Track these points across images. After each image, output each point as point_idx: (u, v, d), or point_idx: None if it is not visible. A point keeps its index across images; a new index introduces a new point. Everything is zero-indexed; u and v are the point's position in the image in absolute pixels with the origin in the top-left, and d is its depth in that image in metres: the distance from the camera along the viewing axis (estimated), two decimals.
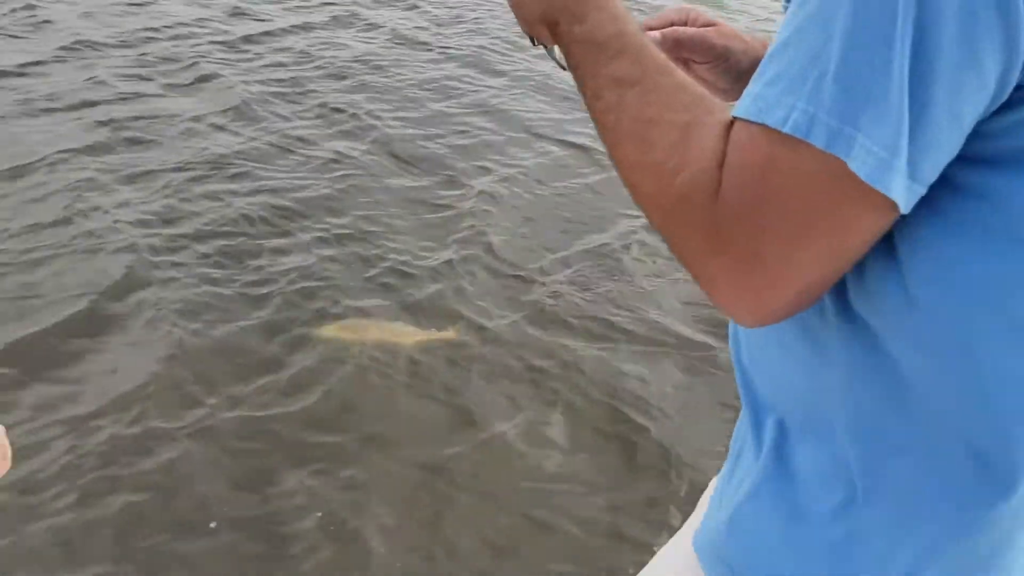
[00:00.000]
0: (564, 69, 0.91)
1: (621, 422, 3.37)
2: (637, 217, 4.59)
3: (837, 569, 0.80)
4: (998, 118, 0.62)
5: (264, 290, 4.02)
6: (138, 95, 6.02)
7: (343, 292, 4.04)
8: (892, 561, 0.77)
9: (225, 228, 4.50)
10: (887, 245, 0.70)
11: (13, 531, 2.74)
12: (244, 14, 7.99)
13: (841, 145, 0.62)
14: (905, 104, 0.59)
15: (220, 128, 5.63)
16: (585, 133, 5.82)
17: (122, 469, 3.00)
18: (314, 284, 4.09)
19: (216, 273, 4.13)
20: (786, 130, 0.63)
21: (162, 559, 2.70)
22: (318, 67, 6.85)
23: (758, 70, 0.68)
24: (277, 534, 2.81)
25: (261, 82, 6.40)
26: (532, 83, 6.87)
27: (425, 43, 7.74)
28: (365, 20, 8.21)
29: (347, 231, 4.55)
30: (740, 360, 0.97)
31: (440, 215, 4.82)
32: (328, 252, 4.36)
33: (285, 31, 7.61)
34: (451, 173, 5.30)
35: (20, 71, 6.20)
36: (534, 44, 0.97)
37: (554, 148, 5.72)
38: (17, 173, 4.83)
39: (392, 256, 4.36)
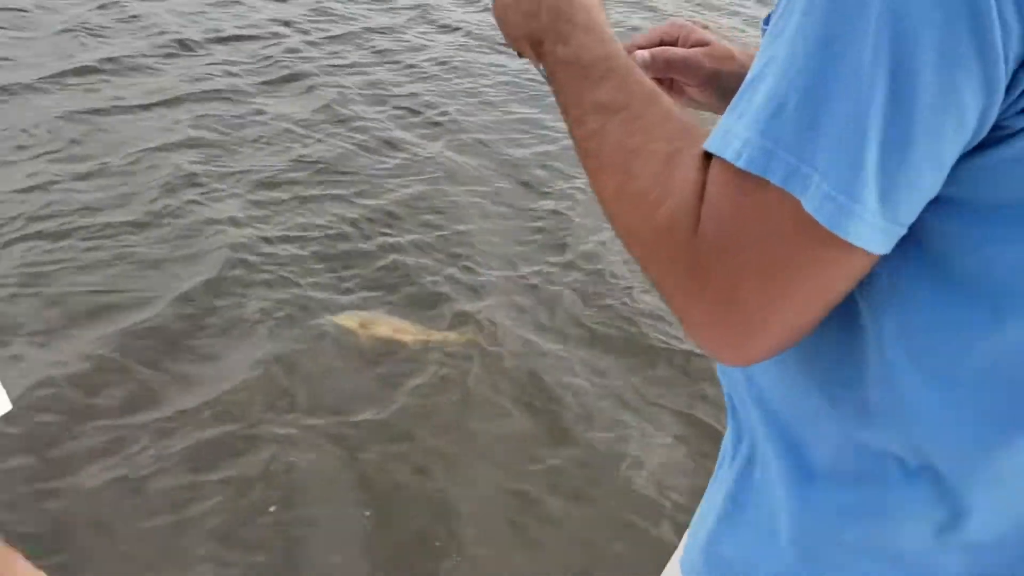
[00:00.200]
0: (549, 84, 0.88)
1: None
2: None
3: None
4: (968, 161, 0.60)
5: (359, 295, 4.06)
6: (232, 92, 6.14)
7: (443, 298, 4.06)
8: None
9: (320, 229, 4.56)
10: None
11: (112, 529, 2.80)
12: (328, 13, 8.08)
13: (797, 184, 0.60)
14: (874, 146, 0.57)
15: (311, 127, 5.70)
16: None
17: (219, 469, 3.06)
18: (409, 288, 4.12)
19: (311, 275, 4.18)
20: (749, 167, 0.61)
21: (268, 556, 2.75)
22: (402, 67, 6.89)
23: (732, 101, 0.66)
24: (378, 536, 2.85)
25: (348, 83, 6.47)
26: None
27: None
28: (447, 21, 8.25)
29: (438, 235, 4.57)
30: (725, 371, 0.93)
31: (529, 224, 4.82)
32: (422, 258, 4.38)
33: (370, 30, 7.68)
34: (535, 179, 5.29)
35: (112, 67, 6.37)
36: (520, 56, 0.93)
37: None
38: (114, 168, 4.96)
39: (490, 265, 4.37)
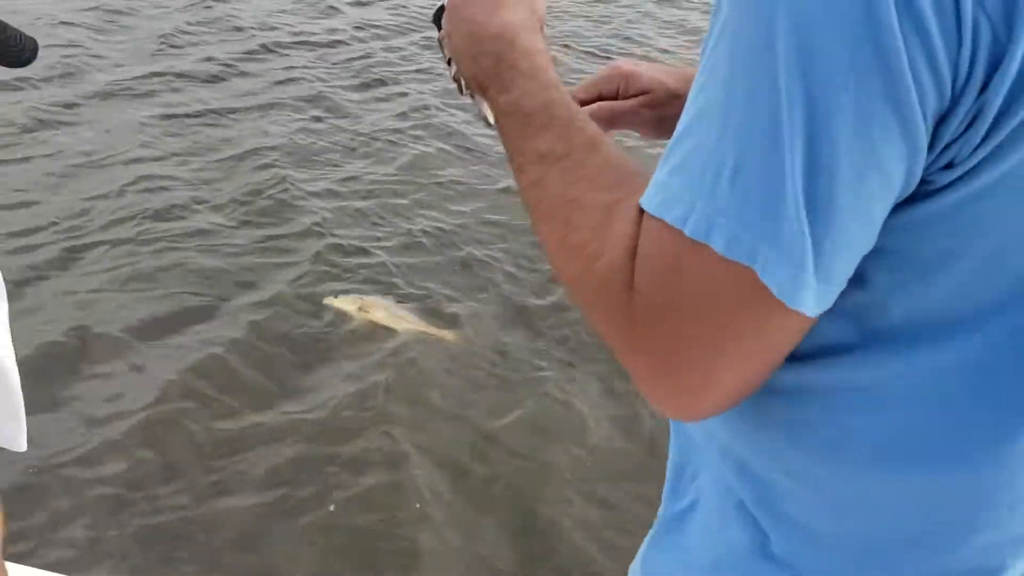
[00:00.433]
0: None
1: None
2: None
3: None
4: (896, 214, 0.59)
5: (456, 305, 4.01)
6: (318, 97, 6.19)
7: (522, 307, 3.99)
8: None
9: (409, 235, 4.54)
10: None
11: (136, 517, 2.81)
12: (409, 15, 8.14)
13: (742, 252, 0.58)
14: (802, 209, 0.55)
15: (399, 133, 5.70)
16: None
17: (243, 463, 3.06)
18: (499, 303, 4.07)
19: (399, 281, 4.15)
20: (686, 231, 0.59)
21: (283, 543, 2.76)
22: None
23: (665, 151, 0.63)
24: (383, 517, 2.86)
25: (432, 89, 6.48)
26: None
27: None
28: None
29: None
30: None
31: None
32: (511, 269, 4.31)
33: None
34: None
35: (203, 70, 6.49)
36: (472, 99, 0.90)
37: None
38: (207, 172, 5.02)
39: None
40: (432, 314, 3.88)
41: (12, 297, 3.65)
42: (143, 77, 6.22)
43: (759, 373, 0.64)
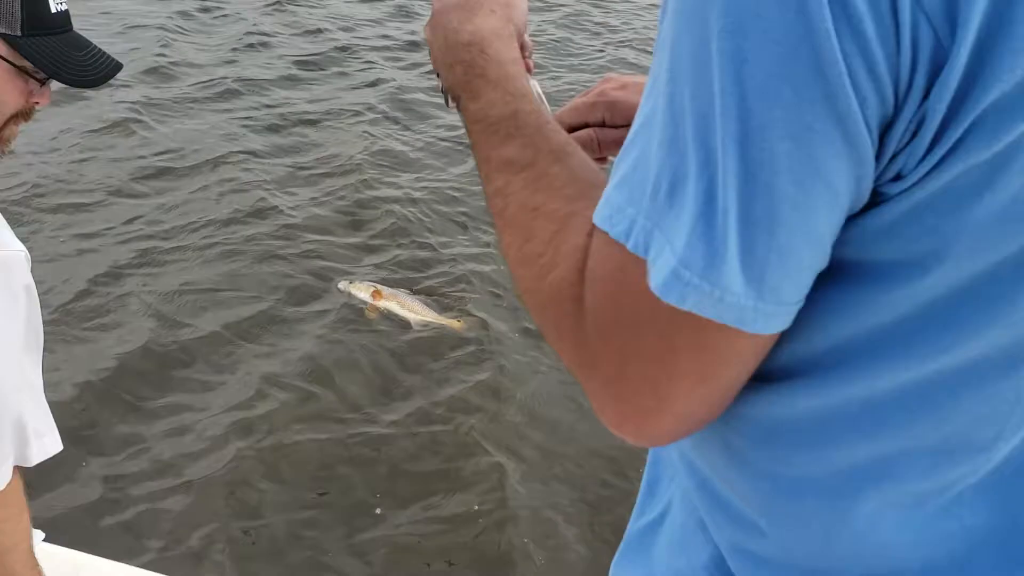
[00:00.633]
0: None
1: None
2: None
3: None
4: (848, 226, 0.55)
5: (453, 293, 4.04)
6: (401, 98, 6.24)
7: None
8: None
9: (401, 232, 4.55)
10: None
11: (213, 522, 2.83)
12: (411, 15, 8.20)
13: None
14: (733, 227, 0.52)
15: (385, 124, 5.71)
16: None
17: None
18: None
19: (398, 278, 4.14)
20: (628, 246, 0.57)
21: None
22: (572, 77, 6.91)
23: (615, 162, 0.60)
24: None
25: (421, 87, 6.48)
26: None
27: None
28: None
29: None
30: None
31: None
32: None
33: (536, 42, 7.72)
34: None
35: (279, 73, 6.58)
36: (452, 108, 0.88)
37: None
38: (297, 174, 5.10)
39: None
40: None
41: (87, 295, 3.78)
42: (224, 79, 6.33)
43: (717, 395, 0.60)
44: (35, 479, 2.67)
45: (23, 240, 1.14)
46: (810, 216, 0.52)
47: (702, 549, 0.76)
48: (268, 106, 6.00)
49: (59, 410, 2.94)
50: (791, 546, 0.67)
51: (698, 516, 0.76)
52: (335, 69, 6.75)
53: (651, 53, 0.61)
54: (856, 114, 0.49)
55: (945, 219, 0.52)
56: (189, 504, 2.87)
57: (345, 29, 7.62)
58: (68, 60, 1.19)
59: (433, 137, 5.69)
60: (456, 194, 5.00)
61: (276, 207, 4.69)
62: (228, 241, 4.36)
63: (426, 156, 5.46)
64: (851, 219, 0.54)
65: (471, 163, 5.19)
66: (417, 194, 4.97)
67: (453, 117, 5.76)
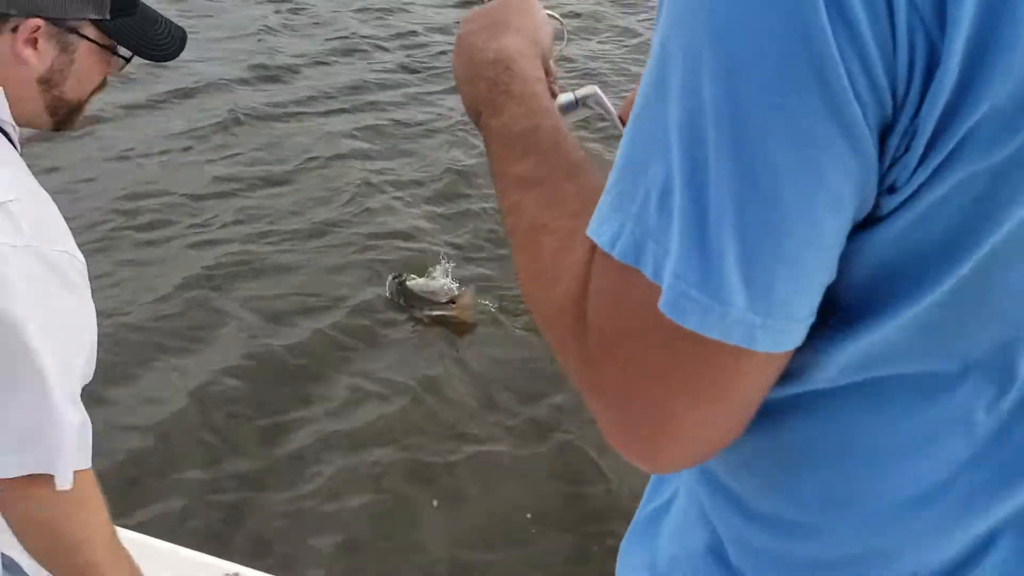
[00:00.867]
0: None
1: None
2: None
3: None
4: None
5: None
6: (410, 98, 6.23)
7: None
8: None
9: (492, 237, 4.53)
10: None
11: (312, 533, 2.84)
12: None
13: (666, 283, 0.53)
14: (730, 240, 0.50)
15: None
16: None
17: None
18: None
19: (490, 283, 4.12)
20: (614, 253, 0.55)
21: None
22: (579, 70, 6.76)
23: (611, 174, 0.58)
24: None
25: None
26: None
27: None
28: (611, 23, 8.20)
29: None
30: None
31: None
32: None
33: None
34: None
35: (292, 67, 6.63)
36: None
37: None
38: (295, 174, 5.10)
39: None
40: None
41: (188, 302, 3.83)
42: (233, 74, 6.40)
43: (729, 417, 0.58)
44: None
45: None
46: (816, 226, 0.50)
47: (701, 535, 0.75)
48: (271, 102, 6.03)
49: (171, 417, 3.14)
50: (786, 542, 0.66)
51: (699, 504, 0.76)
52: (430, 73, 6.78)
53: None
54: (858, 116, 0.47)
55: (934, 236, 0.51)
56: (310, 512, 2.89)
57: (440, 31, 7.66)
58: (147, 36, 1.26)
59: (447, 131, 5.70)
60: (468, 182, 5.01)
61: (374, 209, 4.70)
62: (329, 246, 4.38)
63: (433, 148, 5.46)
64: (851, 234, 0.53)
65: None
66: (430, 185, 4.99)
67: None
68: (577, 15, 8.01)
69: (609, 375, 0.58)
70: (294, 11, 8.06)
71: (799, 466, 0.64)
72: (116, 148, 5.27)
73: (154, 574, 1.44)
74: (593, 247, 0.59)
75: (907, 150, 0.49)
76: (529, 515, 2.89)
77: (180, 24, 1.34)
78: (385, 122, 5.87)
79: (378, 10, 8.22)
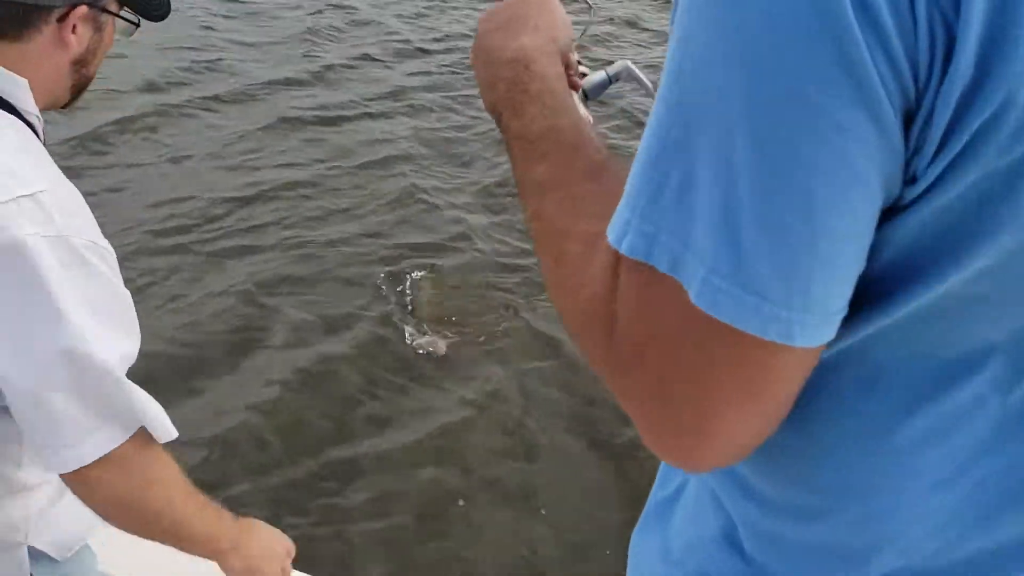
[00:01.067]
0: None
1: None
2: None
3: None
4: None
5: None
6: (457, 100, 6.24)
7: None
8: None
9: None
10: None
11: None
12: None
13: (685, 274, 0.53)
14: (760, 237, 0.49)
15: None
16: None
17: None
18: None
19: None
20: (622, 249, 0.55)
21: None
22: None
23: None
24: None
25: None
26: None
27: None
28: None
29: None
30: None
31: None
32: None
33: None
34: None
35: (339, 70, 6.67)
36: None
37: None
38: (342, 178, 5.13)
39: None
40: None
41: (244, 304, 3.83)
42: (277, 78, 6.43)
43: (765, 416, 0.58)
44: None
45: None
46: (849, 219, 0.50)
47: (714, 521, 0.75)
48: (319, 106, 6.05)
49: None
50: (801, 525, 0.66)
51: (712, 490, 0.76)
52: (389, 69, 6.80)
53: None
54: (885, 104, 0.47)
55: (954, 232, 0.51)
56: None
57: (399, 29, 7.70)
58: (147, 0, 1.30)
59: (493, 138, 5.61)
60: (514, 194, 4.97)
61: (327, 210, 4.69)
62: (283, 245, 4.37)
63: (482, 156, 5.44)
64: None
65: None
66: (482, 195, 4.97)
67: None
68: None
69: (643, 380, 0.58)
70: (337, 11, 8.12)
71: (815, 453, 0.64)
72: (166, 151, 5.33)
73: (160, 562, 1.46)
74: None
75: (926, 140, 0.49)
76: (585, 530, 2.88)
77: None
78: (433, 125, 5.88)
79: (419, 14, 8.29)
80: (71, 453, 1.10)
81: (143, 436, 1.16)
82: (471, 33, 7.48)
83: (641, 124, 6.12)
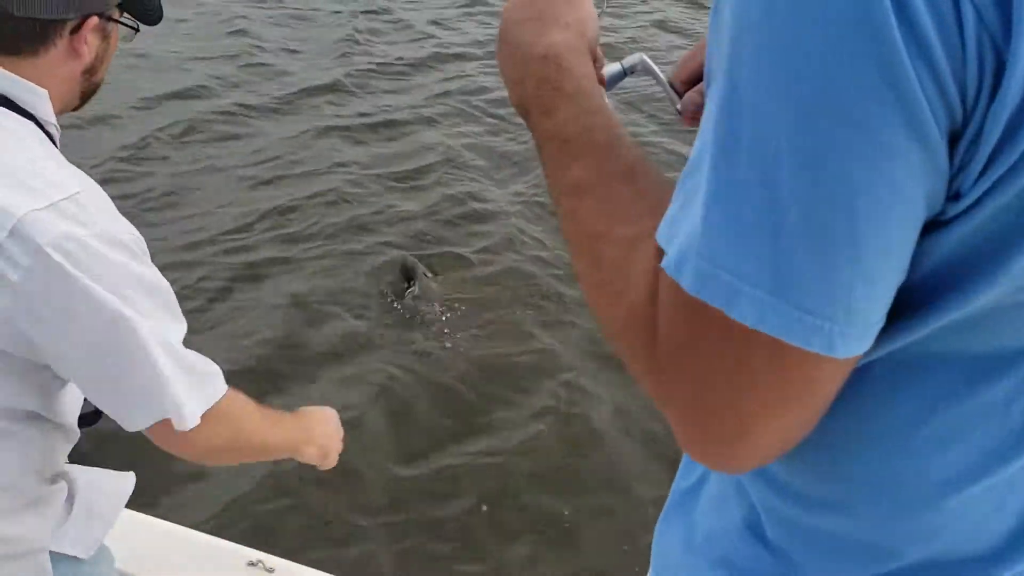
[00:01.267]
0: None
1: None
2: None
3: None
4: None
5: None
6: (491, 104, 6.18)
7: None
8: None
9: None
10: None
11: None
12: None
13: (738, 305, 0.53)
14: (807, 256, 0.50)
15: None
16: None
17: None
18: None
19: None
20: (696, 292, 0.54)
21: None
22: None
23: (680, 179, 0.58)
24: None
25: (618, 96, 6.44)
26: None
27: None
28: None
29: None
30: None
31: None
32: None
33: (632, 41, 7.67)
34: None
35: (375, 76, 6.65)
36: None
37: None
38: (401, 176, 5.11)
39: None
40: None
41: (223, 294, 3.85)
42: (321, 83, 6.43)
43: (802, 422, 0.59)
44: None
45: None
46: (892, 236, 0.51)
47: (737, 511, 0.77)
48: (365, 111, 6.05)
49: None
50: (828, 516, 0.68)
51: (736, 480, 0.77)
52: (433, 73, 6.79)
53: None
54: (932, 127, 0.48)
55: (994, 247, 0.52)
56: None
57: (441, 34, 7.70)
58: (144, 3, 1.35)
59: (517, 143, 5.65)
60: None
61: (375, 217, 4.65)
62: (332, 254, 4.33)
63: (529, 159, 5.39)
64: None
65: None
66: (529, 199, 4.96)
67: None
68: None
69: (683, 386, 0.59)
70: (375, 16, 8.15)
71: (841, 448, 0.64)
72: (211, 158, 5.32)
73: (176, 560, 1.54)
74: (659, 254, 0.59)
75: (972, 158, 0.49)
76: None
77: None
78: (474, 130, 5.86)
79: (455, 17, 8.28)
80: (181, 412, 1.19)
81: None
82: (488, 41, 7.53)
83: (641, 110, 6.16)
